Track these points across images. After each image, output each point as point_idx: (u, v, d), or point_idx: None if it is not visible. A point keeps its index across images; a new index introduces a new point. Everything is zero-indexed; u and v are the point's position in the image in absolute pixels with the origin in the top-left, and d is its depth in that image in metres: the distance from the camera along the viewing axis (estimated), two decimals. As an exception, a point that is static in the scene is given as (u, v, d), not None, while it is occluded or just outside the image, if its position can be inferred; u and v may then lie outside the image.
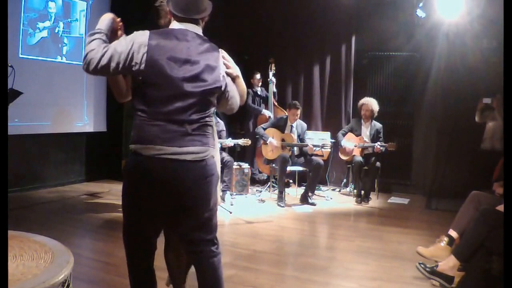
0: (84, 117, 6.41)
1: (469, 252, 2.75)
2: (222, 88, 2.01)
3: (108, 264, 3.24)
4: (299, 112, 5.86)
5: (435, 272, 2.92)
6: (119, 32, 2.03)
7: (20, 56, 5.43)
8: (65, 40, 6.04)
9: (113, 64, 1.84)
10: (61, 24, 5.96)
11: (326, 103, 6.97)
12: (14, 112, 4.70)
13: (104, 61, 1.83)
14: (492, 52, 5.38)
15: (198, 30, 2.02)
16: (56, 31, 5.92)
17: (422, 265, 3.03)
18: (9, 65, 3.18)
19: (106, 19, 1.98)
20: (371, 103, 5.90)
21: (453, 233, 3.18)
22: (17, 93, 3.59)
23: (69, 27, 6.07)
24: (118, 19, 2.04)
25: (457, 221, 3.21)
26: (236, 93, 2.12)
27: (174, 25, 2.01)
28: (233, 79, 2.10)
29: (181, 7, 1.98)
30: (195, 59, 1.93)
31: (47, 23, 5.78)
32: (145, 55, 1.86)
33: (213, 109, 2.04)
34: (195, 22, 2.02)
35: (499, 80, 2.76)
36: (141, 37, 1.89)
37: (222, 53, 2.07)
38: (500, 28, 2.53)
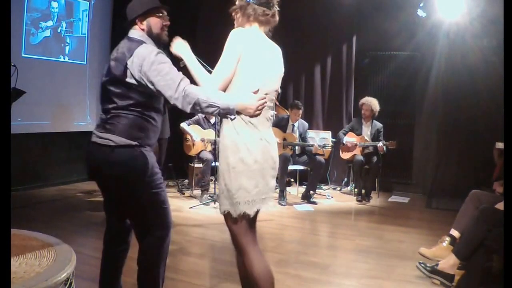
0: (87, 116, 6.43)
1: (469, 250, 2.76)
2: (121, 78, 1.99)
3: (110, 262, 3.25)
4: (300, 112, 5.88)
5: (436, 270, 2.93)
6: None
7: (23, 55, 5.45)
8: (68, 40, 6.05)
9: None
10: (63, 24, 5.98)
11: (327, 102, 6.97)
12: (17, 111, 4.71)
13: None
14: (492, 51, 5.38)
15: (131, 33, 2.13)
16: (59, 30, 5.94)
17: (422, 265, 3.04)
18: (12, 64, 3.20)
19: None
20: (372, 103, 5.88)
21: (454, 232, 3.19)
22: (20, 92, 3.61)
23: (72, 26, 6.09)
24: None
25: (458, 221, 3.22)
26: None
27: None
28: None
29: None
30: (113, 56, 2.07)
31: (50, 23, 5.80)
32: None
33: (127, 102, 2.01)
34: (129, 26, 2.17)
35: (499, 79, 2.77)
36: None
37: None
38: (500, 27, 2.53)
